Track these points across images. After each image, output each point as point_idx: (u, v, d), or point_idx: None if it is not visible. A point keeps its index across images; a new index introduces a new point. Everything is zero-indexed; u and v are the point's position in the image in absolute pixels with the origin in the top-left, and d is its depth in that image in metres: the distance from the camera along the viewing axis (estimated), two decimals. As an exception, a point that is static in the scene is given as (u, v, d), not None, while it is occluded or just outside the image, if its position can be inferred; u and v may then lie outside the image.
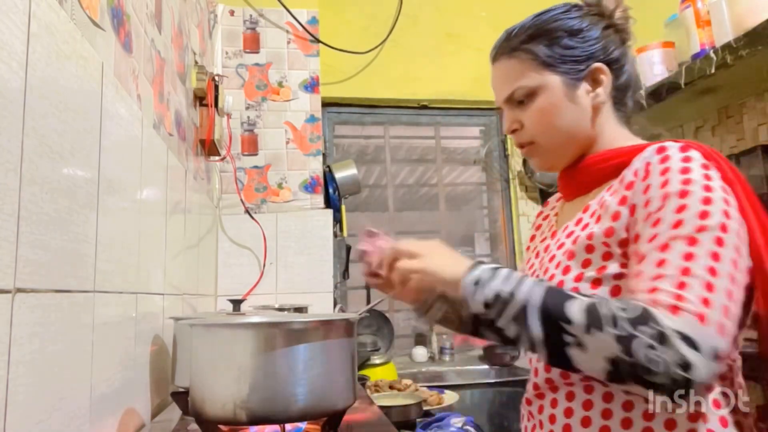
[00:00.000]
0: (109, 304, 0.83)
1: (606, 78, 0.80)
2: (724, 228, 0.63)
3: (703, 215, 0.63)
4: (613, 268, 0.71)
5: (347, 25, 2.45)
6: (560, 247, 0.79)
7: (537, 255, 0.88)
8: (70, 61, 0.69)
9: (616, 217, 0.71)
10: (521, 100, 0.82)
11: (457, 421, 1.41)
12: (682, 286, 0.60)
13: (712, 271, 0.61)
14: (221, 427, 0.74)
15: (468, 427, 1.39)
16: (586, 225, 0.77)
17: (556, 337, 0.62)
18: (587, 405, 0.72)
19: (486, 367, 2.34)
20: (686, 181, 0.66)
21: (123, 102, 0.91)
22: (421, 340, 2.52)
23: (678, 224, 0.64)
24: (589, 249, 0.73)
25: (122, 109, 0.90)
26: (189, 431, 0.93)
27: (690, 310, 0.59)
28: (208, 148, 1.74)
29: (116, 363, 0.87)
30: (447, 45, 2.56)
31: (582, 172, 0.83)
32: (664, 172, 0.68)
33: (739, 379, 0.74)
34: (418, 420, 1.48)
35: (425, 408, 1.58)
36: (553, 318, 0.62)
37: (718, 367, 0.58)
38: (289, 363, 0.69)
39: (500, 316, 0.66)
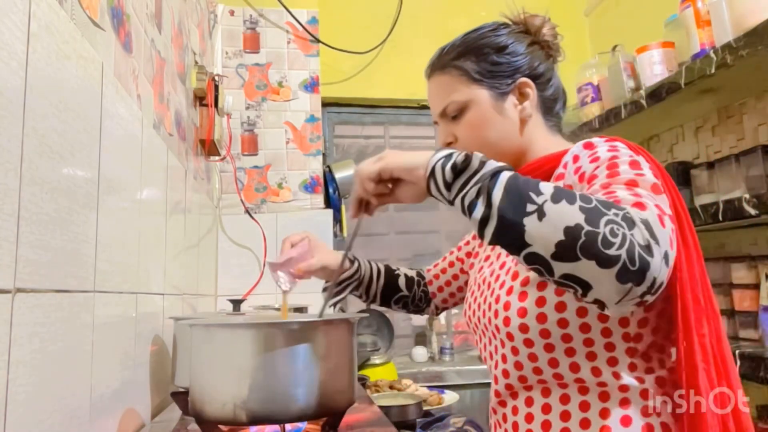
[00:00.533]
0: (109, 304, 0.83)
1: (532, 91, 0.84)
2: (656, 186, 0.65)
3: (637, 169, 0.67)
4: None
5: (347, 25, 2.45)
6: (502, 266, 0.83)
7: (479, 270, 0.91)
8: (70, 61, 0.69)
9: None
10: (454, 114, 0.86)
11: (457, 421, 1.42)
12: (637, 195, 0.62)
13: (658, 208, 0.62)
14: (221, 427, 0.74)
15: (468, 427, 1.39)
16: None
17: (516, 205, 0.59)
18: (546, 408, 0.74)
19: (486, 367, 2.34)
20: (614, 156, 0.69)
21: (123, 102, 0.91)
22: (421, 340, 2.52)
23: (614, 176, 0.66)
24: None
25: (122, 109, 0.90)
26: (189, 431, 0.93)
27: (652, 209, 0.60)
28: (208, 148, 1.74)
29: (116, 363, 0.87)
30: (447, 45, 2.56)
31: None
32: (593, 158, 0.71)
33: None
34: (418, 420, 1.48)
35: (425, 408, 1.58)
36: (522, 187, 0.60)
37: (666, 275, 0.57)
38: (289, 363, 0.69)
39: (465, 178, 0.63)
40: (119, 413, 0.88)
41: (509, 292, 0.77)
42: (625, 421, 0.70)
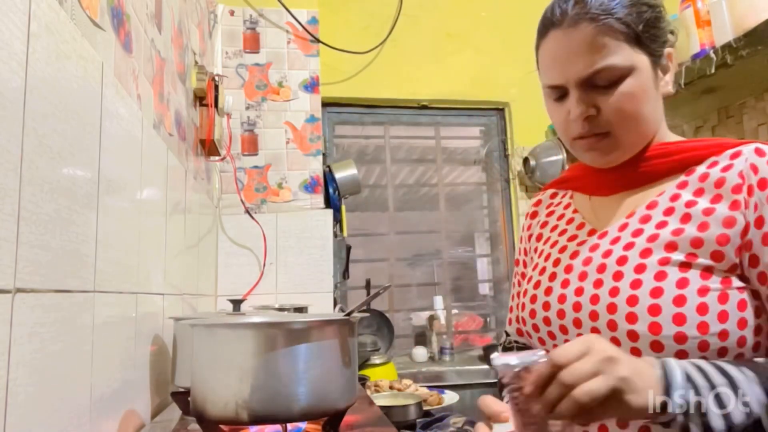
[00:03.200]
0: (109, 304, 0.83)
1: (672, 66, 0.74)
2: None
3: None
4: (717, 272, 0.65)
5: (347, 25, 2.45)
6: (628, 247, 0.70)
7: (573, 254, 0.77)
8: (70, 61, 0.69)
9: (729, 223, 0.65)
10: (606, 83, 0.69)
11: (457, 421, 1.42)
12: None
13: None
14: (222, 426, 0.74)
15: (468, 427, 1.39)
16: (664, 223, 0.69)
17: None
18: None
19: (486, 367, 2.34)
20: None
21: (123, 102, 0.91)
22: (421, 340, 2.52)
23: None
24: (694, 246, 0.66)
25: (122, 109, 0.90)
26: (189, 431, 0.93)
27: None
28: (208, 148, 1.74)
29: (116, 363, 0.87)
30: (447, 45, 2.56)
31: (635, 166, 0.75)
32: None
33: None
34: (418, 420, 1.48)
35: (425, 408, 1.58)
36: None
37: None
38: (290, 363, 0.69)
39: None
40: (119, 413, 0.88)
41: (656, 293, 0.65)
42: None
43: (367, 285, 2.40)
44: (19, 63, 0.56)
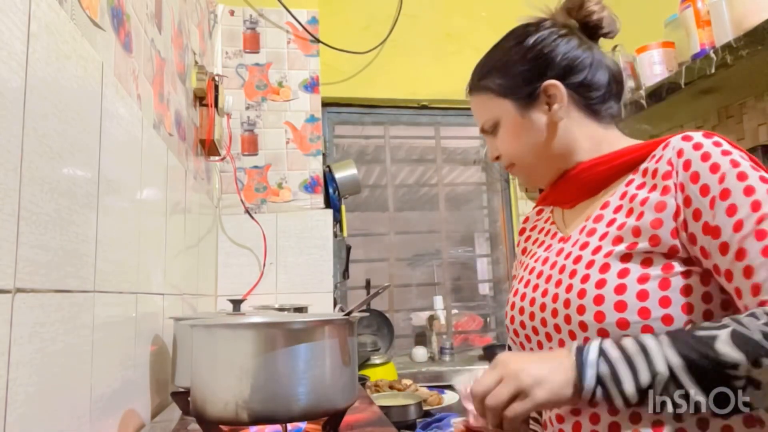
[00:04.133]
0: (109, 304, 0.83)
1: (558, 92, 0.80)
2: None
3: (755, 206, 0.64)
4: (658, 257, 0.69)
5: (347, 25, 2.45)
6: (584, 246, 0.77)
7: (543, 261, 0.84)
8: (70, 61, 0.69)
9: (660, 207, 0.70)
10: (491, 130, 0.87)
11: (457, 421, 1.41)
12: None
13: None
14: (222, 427, 0.74)
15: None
16: (613, 221, 0.75)
17: (724, 387, 0.59)
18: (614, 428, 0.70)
19: (486, 367, 2.33)
20: (743, 174, 0.66)
21: (123, 102, 0.91)
22: (421, 340, 2.52)
23: (757, 207, 0.63)
24: (635, 235, 0.71)
25: (122, 109, 0.90)
26: (189, 431, 0.93)
27: None
28: (208, 148, 1.74)
29: (116, 363, 0.87)
30: (447, 45, 2.56)
31: (578, 178, 0.83)
32: (713, 167, 0.67)
33: None
34: (418, 420, 1.48)
35: (425, 408, 1.58)
36: (711, 371, 0.59)
37: None
38: (290, 363, 0.69)
39: (647, 401, 0.62)
40: (119, 413, 0.88)
41: (600, 284, 0.70)
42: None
43: (367, 285, 2.40)
44: (19, 63, 0.56)
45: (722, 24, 1.41)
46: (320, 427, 0.80)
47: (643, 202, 0.72)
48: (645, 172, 0.75)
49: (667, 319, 0.67)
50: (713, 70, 1.40)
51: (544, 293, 0.79)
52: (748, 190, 0.65)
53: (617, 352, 0.64)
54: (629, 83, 1.90)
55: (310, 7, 2.20)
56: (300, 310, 1.50)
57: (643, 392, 0.62)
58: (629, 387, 0.62)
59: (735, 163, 0.67)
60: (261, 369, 0.68)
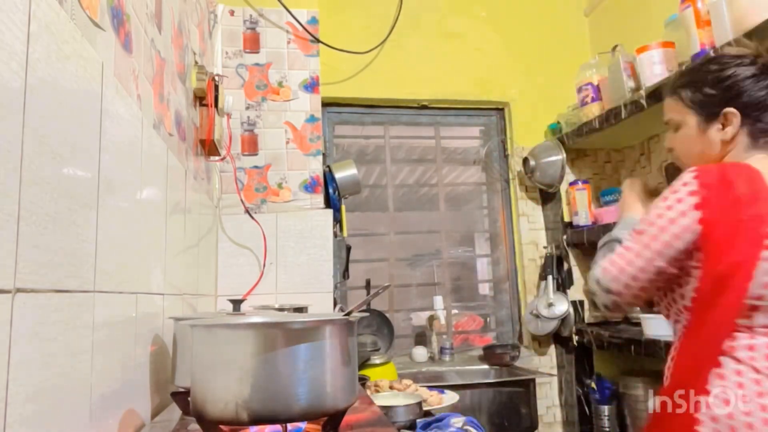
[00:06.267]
0: (109, 304, 0.83)
1: (736, 119, 1.01)
2: (650, 224, 0.98)
3: (646, 221, 0.99)
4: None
5: (347, 25, 2.45)
6: None
7: None
8: (70, 61, 0.69)
9: None
10: (674, 129, 1.11)
11: (457, 421, 1.41)
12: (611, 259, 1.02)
13: (626, 248, 1.00)
14: (222, 427, 0.74)
15: (468, 427, 1.39)
16: None
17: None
18: None
19: (486, 367, 2.34)
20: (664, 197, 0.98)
21: (123, 102, 0.91)
22: (421, 340, 2.52)
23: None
24: None
25: (122, 109, 0.90)
26: (189, 431, 0.93)
27: (601, 265, 1.03)
28: (208, 148, 1.74)
29: (116, 363, 0.87)
30: (447, 45, 2.57)
31: None
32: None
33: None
34: (418, 420, 1.48)
35: (425, 408, 1.58)
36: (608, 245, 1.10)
37: (612, 297, 1.00)
38: (290, 363, 0.69)
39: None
40: (119, 413, 0.88)
41: None
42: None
43: (367, 285, 2.40)
44: (19, 63, 0.56)
45: (722, 24, 1.41)
46: (320, 427, 0.80)
47: None
48: None
49: None
50: (713, 70, 1.40)
51: None
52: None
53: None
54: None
55: (310, 7, 2.20)
56: (300, 310, 1.50)
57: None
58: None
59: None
60: (261, 369, 0.69)
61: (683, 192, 0.94)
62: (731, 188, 0.91)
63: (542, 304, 2.37)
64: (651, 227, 0.96)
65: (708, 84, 1.04)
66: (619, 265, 0.99)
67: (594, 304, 1.05)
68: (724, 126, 1.02)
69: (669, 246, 0.94)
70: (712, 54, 1.00)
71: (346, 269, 2.28)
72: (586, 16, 2.68)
